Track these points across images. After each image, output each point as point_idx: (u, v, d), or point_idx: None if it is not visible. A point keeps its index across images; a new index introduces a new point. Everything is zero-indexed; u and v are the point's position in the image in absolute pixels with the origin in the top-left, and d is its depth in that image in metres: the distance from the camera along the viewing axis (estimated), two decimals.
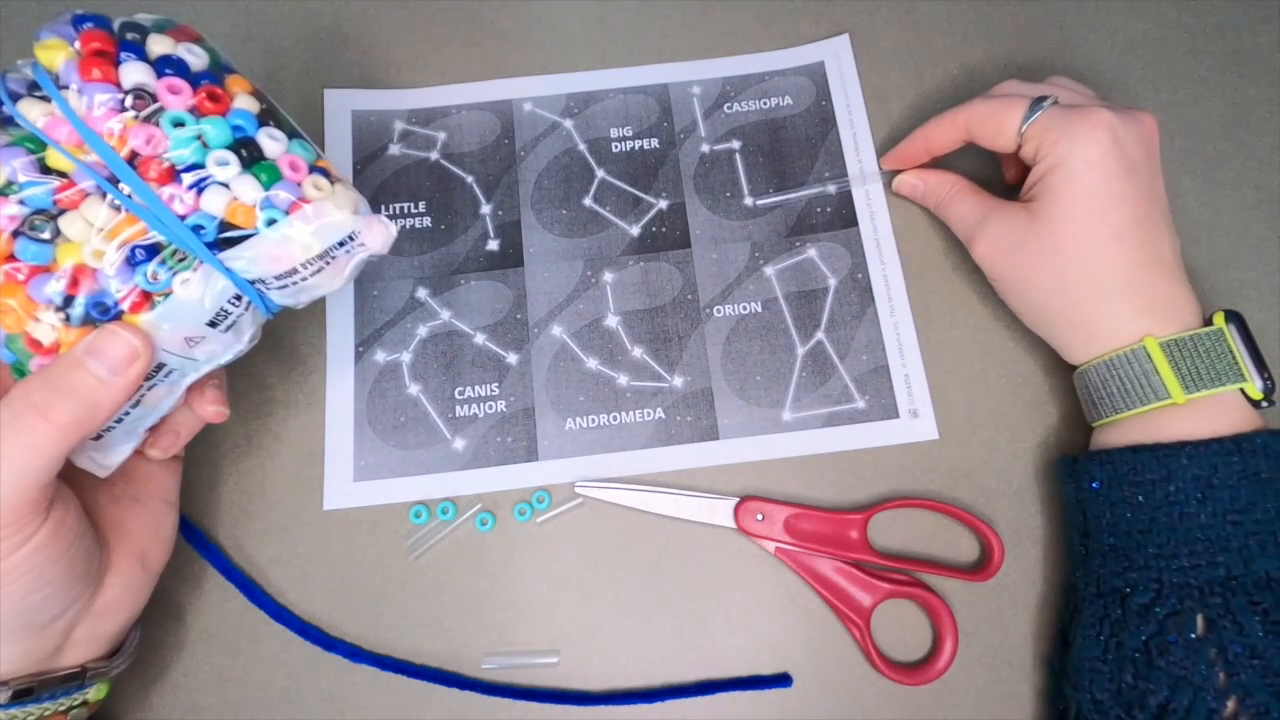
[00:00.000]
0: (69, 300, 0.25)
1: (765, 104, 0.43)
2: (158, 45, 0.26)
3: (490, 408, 0.38)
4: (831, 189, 0.41)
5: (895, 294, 0.39)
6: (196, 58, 0.27)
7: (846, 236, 0.40)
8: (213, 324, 0.27)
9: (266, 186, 0.26)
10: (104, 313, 0.25)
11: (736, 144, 0.42)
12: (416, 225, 0.41)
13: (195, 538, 0.36)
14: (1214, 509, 0.29)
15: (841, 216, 0.41)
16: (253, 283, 0.27)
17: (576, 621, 0.35)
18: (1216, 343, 0.31)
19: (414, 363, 0.39)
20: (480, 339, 0.39)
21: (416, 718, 0.34)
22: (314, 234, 0.26)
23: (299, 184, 0.27)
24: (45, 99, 0.25)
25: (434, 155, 0.42)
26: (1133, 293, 0.32)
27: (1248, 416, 0.31)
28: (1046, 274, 0.33)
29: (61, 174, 0.25)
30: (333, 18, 0.44)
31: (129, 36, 0.26)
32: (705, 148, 0.42)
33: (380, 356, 0.39)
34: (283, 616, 0.35)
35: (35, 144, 0.25)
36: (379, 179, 0.41)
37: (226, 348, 0.28)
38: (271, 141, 0.27)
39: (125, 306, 0.25)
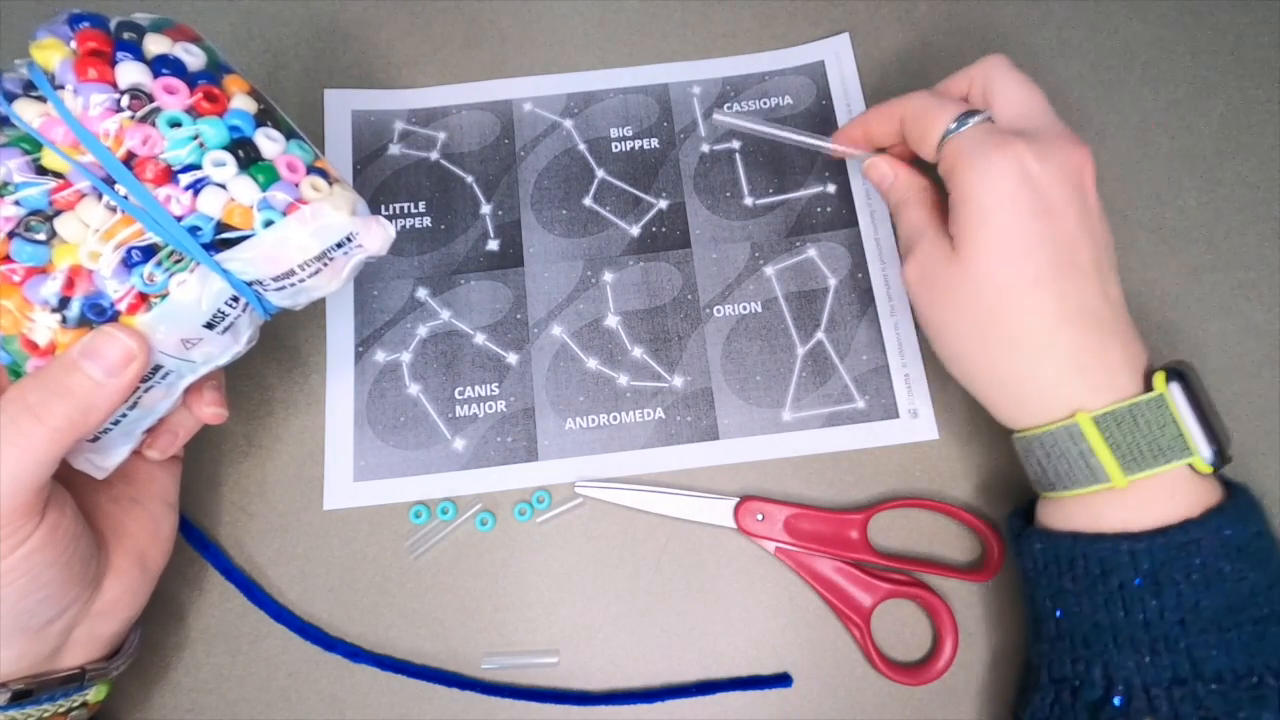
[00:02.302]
0: (65, 302, 0.25)
1: (765, 104, 0.43)
2: (154, 45, 0.26)
3: (490, 408, 0.38)
4: (831, 188, 0.41)
5: (896, 294, 0.39)
6: (194, 57, 0.26)
7: (847, 236, 0.40)
8: (210, 326, 0.27)
9: (264, 187, 0.26)
10: (100, 314, 0.25)
11: (736, 144, 0.42)
12: (416, 225, 0.41)
13: (195, 538, 0.36)
14: (1160, 606, 0.27)
15: (842, 216, 0.41)
16: (250, 284, 0.27)
17: (576, 621, 0.36)
18: (1157, 412, 0.28)
19: (414, 363, 0.39)
20: (480, 339, 0.39)
21: (416, 718, 0.34)
22: (312, 235, 0.26)
23: (297, 185, 0.26)
24: (41, 99, 0.25)
25: (434, 155, 0.42)
26: (1058, 350, 0.28)
27: (1198, 494, 0.28)
28: (966, 320, 0.30)
29: (57, 175, 0.25)
30: (333, 18, 0.44)
31: (125, 36, 0.26)
32: (705, 148, 0.42)
33: (380, 356, 0.39)
34: (283, 616, 0.35)
35: (31, 144, 0.25)
36: (379, 179, 0.41)
37: (224, 349, 0.28)
38: (269, 142, 0.26)
39: (122, 308, 0.25)
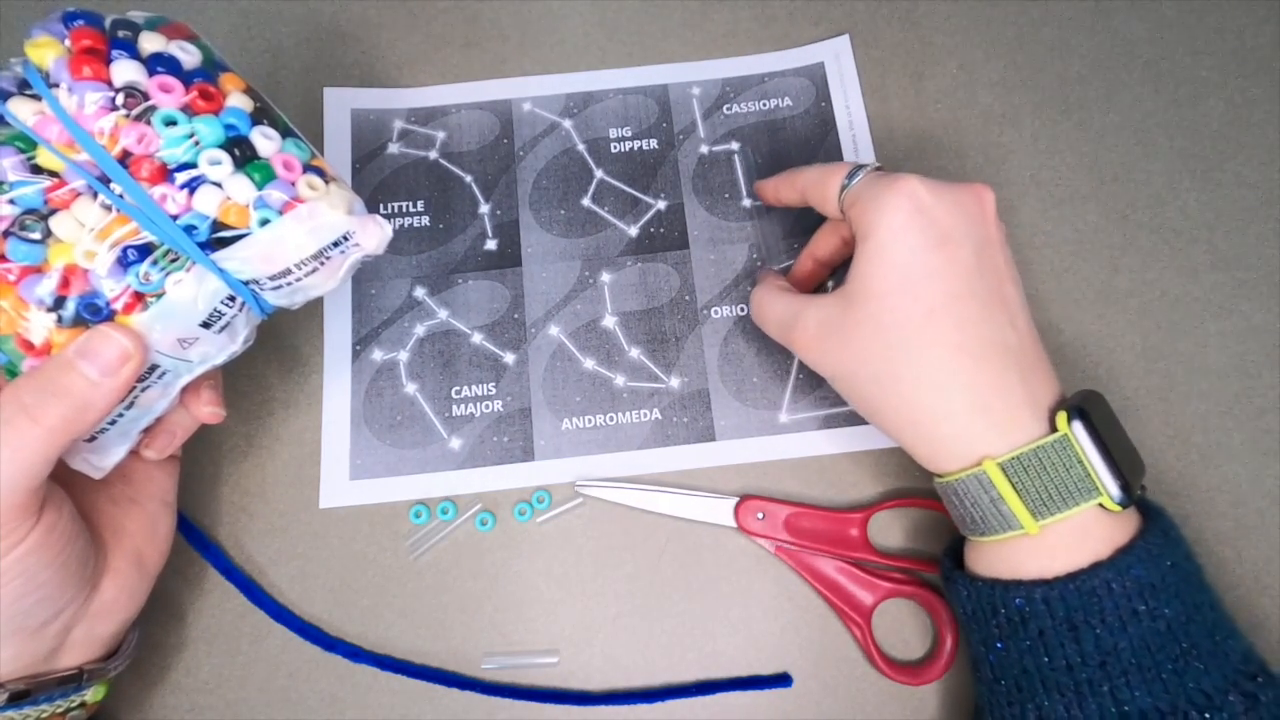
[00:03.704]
0: (60, 301, 0.25)
1: (765, 105, 0.43)
2: (150, 43, 0.26)
3: (487, 407, 0.38)
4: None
5: None
6: (189, 55, 0.26)
7: None
8: (206, 325, 0.27)
9: (260, 186, 0.26)
10: (96, 314, 0.25)
11: (735, 145, 0.42)
12: (415, 224, 0.41)
13: (195, 538, 0.36)
14: (1079, 650, 0.27)
15: None
16: (246, 283, 0.27)
17: (576, 621, 0.36)
18: (1062, 454, 0.27)
19: (411, 362, 0.39)
20: (477, 338, 0.39)
21: (416, 718, 0.34)
22: (308, 234, 0.26)
23: (293, 183, 0.26)
24: (36, 97, 0.25)
25: (433, 154, 0.42)
26: (960, 383, 0.28)
27: (1112, 531, 0.28)
28: (872, 361, 0.29)
29: (52, 173, 0.25)
30: (333, 18, 0.44)
31: (120, 34, 0.26)
32: (704, 149, 0.42)
33: (377, 355, 0.39)
34: (283, 616, 0.35)
35: (26, 143, 0.25)
36: (378, 178, 0.41)
37: (220, 349, 0.28)
38: (265, 140, 0.26)
39: (117, 307, 0.25)
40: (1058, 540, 0.28)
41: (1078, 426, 0.27)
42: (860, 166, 0.32)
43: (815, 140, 0.42)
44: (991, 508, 0.28)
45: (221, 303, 0.26)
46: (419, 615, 0.36)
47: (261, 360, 0.38)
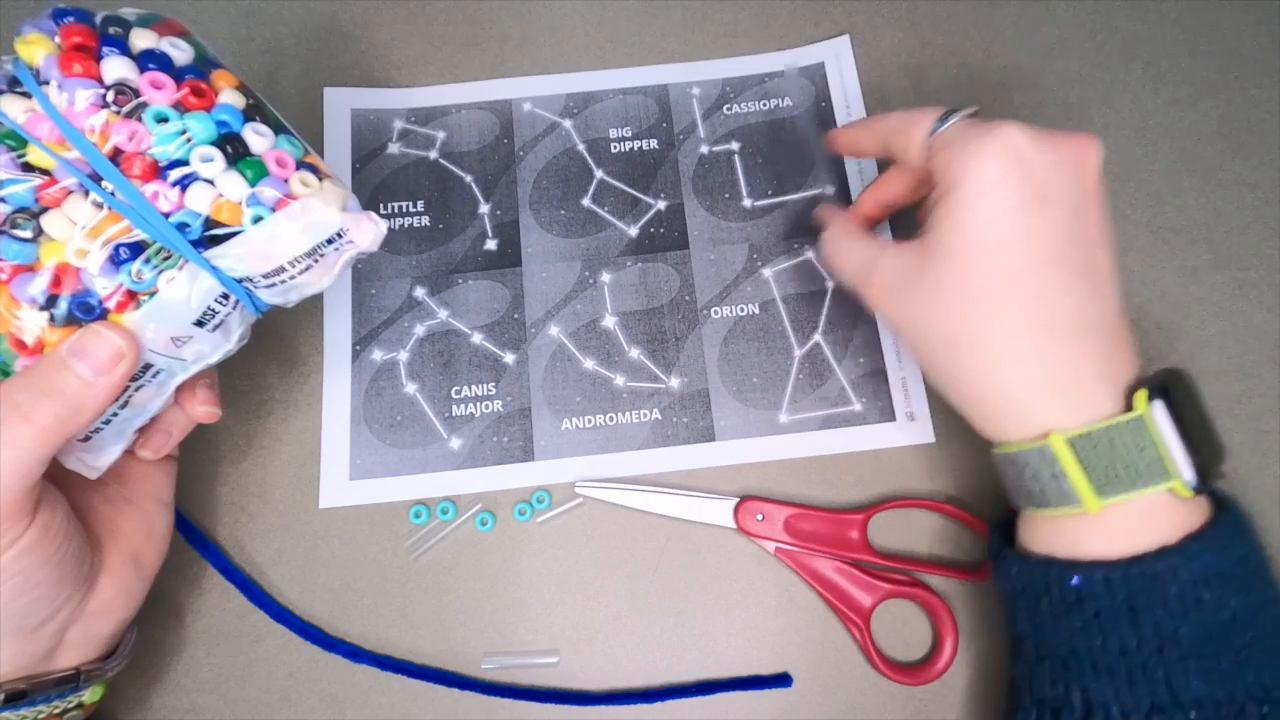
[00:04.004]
0: (52, 300, 0.24)
1: (765, 105, 0.43)
2: (141, 39, 0.26)
3: (487, 407, 0.38)
4: (830, 189, 0.41)
5: None
6: (181, 52, 0.26)
7: None
8: (200, 323, 0.26)
9: (252, 183, 0.25)
10: (88, 312, 0.25)
11: (735, 145, 0.42)
12: (415, 224, 0.41)
13: (195, 538, 0.36)
14: (1137, 635, 0.26)
15: None
16: (240, 281, 0.27)
17: (576, 621, 0.35)
18: (1136, 434, 0.26)
19: (411, 362, 0.39)
20: (477, 338, 0.39)
21: (416, 718, 0.34)
22: (301, 231, 0.26)
23: (286, 180, 0.26)
24: (26, 95, 0.24)
25: (433, 154, 0.42)
26: (1029, 357, 0.27)
27: (1180, 517, 0.27)
28: (935, 320, 0.28)
29: (43, 171, 0.25)
30: (333, 18, 0.44)
31: (111, 31, 0.25)
32: (704, 149, 0.42)
33: (377, 355, 0.39)
34: (283, 616, 0.35)
35: (16, 141, 0.25)
36: (378, 177, 0.41)
37: (215, 347, 0.28)
38: (258, 137, 0.26)
39: (110, 306, 0.25)
40: (1121, 521, 0.27)
41: (1158, 407, 0.26)
42: (954, 110, 0.29)
43: (815, 140, 0.42)
44: (1052, 482, 0.27)
45: (215, 301, 0.26)
46: (419, 615, 0.36)
47: (261, 360, 0.38)
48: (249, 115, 0.26)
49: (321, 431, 0.37)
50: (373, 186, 0.41)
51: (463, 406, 0.38)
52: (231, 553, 0.36)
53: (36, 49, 0.25)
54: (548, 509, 0.37)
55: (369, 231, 0.27)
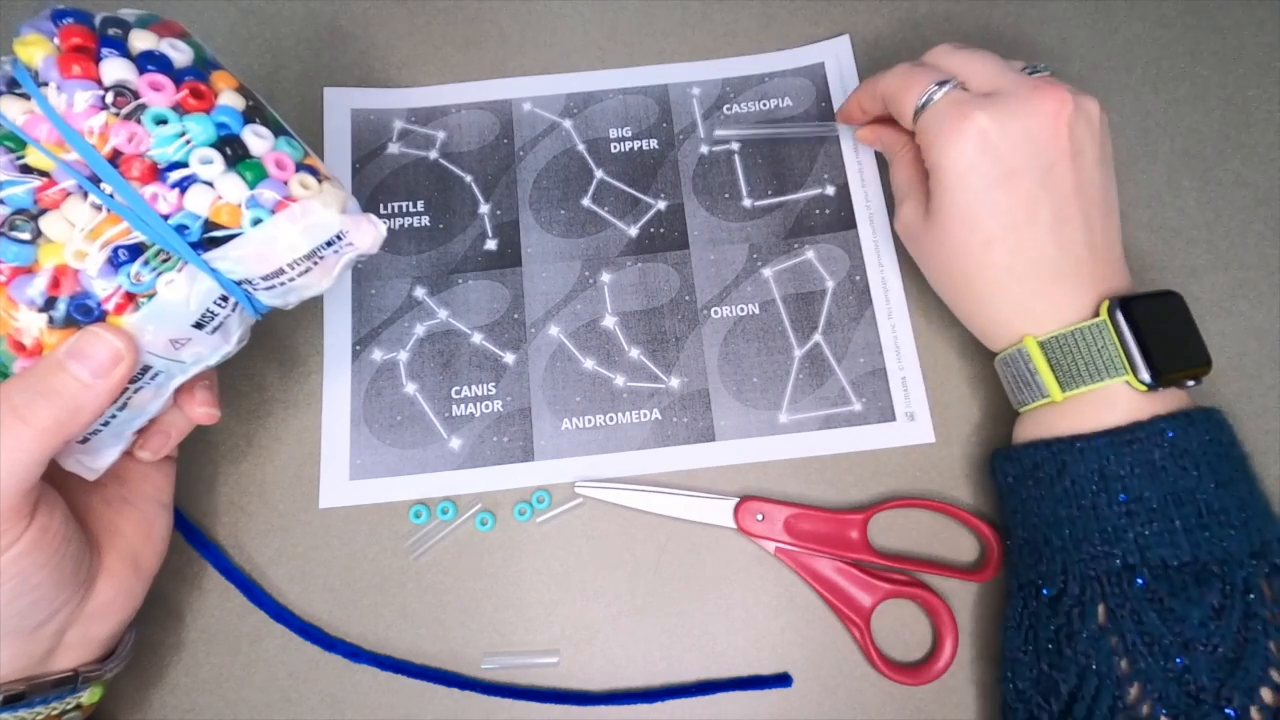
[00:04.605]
0: (51, 302, 0.24)
1: (765, 105, 0.43)
2: (140, 41, 0.26)
3: (486, 407, 0.38)
4: (830, 190, 0.41)
5: (893, 296, 0.39)
6: (180, 53, 0.26)
7: (845, 239, 0.40)
8: (199, 325, 0.26)
9: (252, 185, 0.25)
10: (87, 314, 0.25)
11: (735, 145, 0.42)
12: (415, 224, 0.41)
13: (195, 538, 0.36)
14: (1109, 500, 0.29)
15: (840, 219, 0.41)
16: (239, 283, 0.27)
17: (576, 621, 0.36)
18: (1097, 336, 0.30)
19: (411, 362, 0.39)
20: (477, 338, 0.39)
21: (416, 718, 0.34)
22: (301, 233, 0.26)
23: (285, 182, 0.26)
24: (25, 96, 0.24)
25: (433, 154, 0.42)
26: (1007, 298, 0.32)
27: (1139, 405, 0.30)
28: (937, 265, 0.34)
29: (42, 173, 0.25)
30: (333, 18, 0.44)
31: (110, 32, 0.25)
32: (704, 149, 0.42)
33: (377, 355, 0.39)
34: (283, 616, 0.35)
35: (15, 142, 0.24)
36: (378, 178, 0.41)
37: (214, 349, 0.28)
38: (257, 139, 0.26)
39: (109, 308, 0.25)
40: (1086, 407, 0.31)
41: (1119, 316, 0.30)
42: (943, 83, 0.32)
43: (815, 140, 0.42)
44: (1029, 377, 0.32)
45: (214, 303, 0.26)
46: (419, 615, 0.36)
47: (261, 360, 0.38)
48: (248, 117, 0.26)
49: (321, 431, 0.37)
50: (373, 186, 0.41)
51: (463, 406, 0.38)
52: (231, 553, 0.36)
53: (35, 50, 0.25)
54: (548, 509, 0.37)
55: (368, 234, 0.27)
